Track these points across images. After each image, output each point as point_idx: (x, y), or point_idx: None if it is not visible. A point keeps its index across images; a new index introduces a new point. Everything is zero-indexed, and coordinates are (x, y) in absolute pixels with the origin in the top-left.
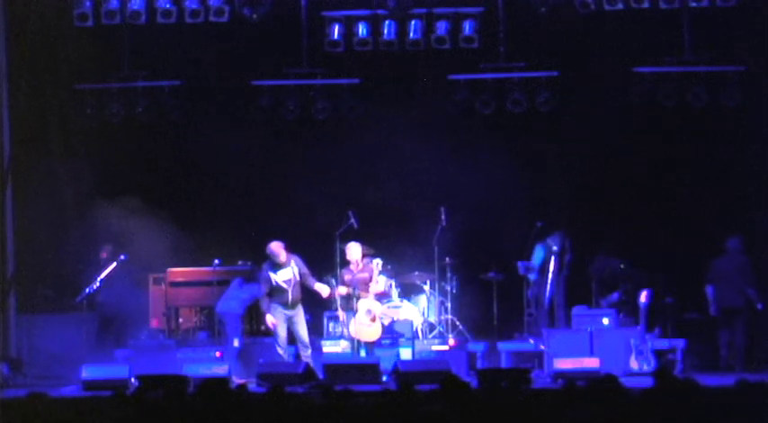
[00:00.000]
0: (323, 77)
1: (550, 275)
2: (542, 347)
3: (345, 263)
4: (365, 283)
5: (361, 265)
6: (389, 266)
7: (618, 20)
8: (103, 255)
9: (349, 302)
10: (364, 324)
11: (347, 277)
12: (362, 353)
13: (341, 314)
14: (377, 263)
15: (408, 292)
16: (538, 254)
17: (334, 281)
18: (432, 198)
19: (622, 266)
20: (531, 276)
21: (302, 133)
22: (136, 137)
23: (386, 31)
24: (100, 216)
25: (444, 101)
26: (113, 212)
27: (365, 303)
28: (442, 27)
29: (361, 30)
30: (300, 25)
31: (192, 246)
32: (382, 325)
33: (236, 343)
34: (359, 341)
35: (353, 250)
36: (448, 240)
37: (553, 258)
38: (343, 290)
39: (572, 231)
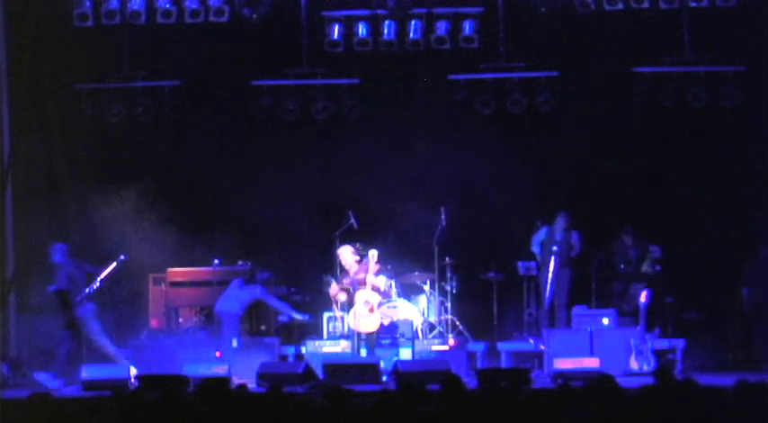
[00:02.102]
0: (323, 77)
1: (550, 275)
2: (542, 347)
3: (342, 269)
4: (363, 283)
5: (356, 267)
6: (389, 266)
7: (618, 20)
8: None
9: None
10: (362, 315)
11: (346, 281)
12: (363, 352)
13: (338, 314)
14: (372, 254)
15: (408, 292)
16: (540, 235)
17: (333, 280)
18: (432, 198)
19: (622, 266)
20: (535, 250)
21: (302, 133)
22: (136, 137)
23: (386, 31)
24: (100, 216)
25: (444, 101)
26: (113, 212)
27: (363, 295)
28: (442, 27)
29: (361, 30)
30: (300, 25)
31: (192, 246)
32: (381, 316)
33: (234, 343)
34: (359, 341)
35: (345, 255)
36: (448, 240)
37: (553, 258)
38: (342, 296)
39: (576, 226)
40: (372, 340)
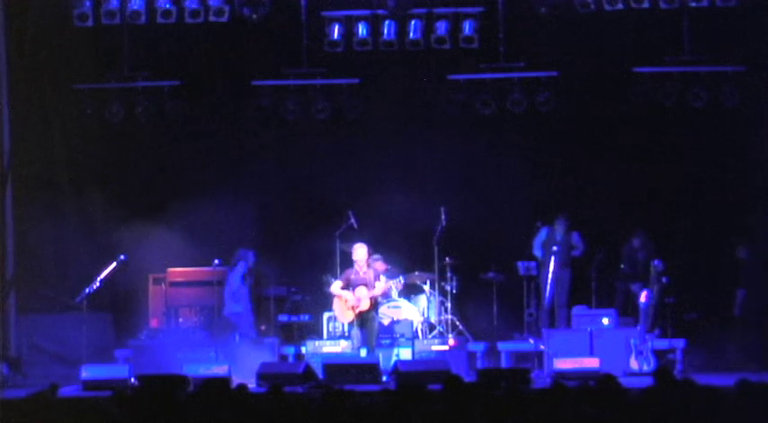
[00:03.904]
0: (323, 77)
1: (550, 275)
2: (542, 347)
3: (348, 262)
4: (367, 285)
5: (365, 268)
6: (390, 266)
7: (618, 20)
8: None
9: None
10: (346, 304)
11: (352, 277)
12: (362, 353)
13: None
14: (399, 281)
15: (408, 292)
16: (540, 236)
17: (333, 279)
18: (432, 198)
19: (623, 266)
20: (537, 253)
21: (302, 133)
22: (136, 137)
23: (386, 31)
24: (100, 216)
25: (444, 101)
26: (113, 212)
27: (361, 291)
28: (441, 27)
29: (361, 30)
30: (300, 25)
31: (191, 246)
32: (359, 315)
33: (236, 338)
34: (359, 341)
35: (360, 251)
36: (448, 240)
37: (553, 259)
38: (337, 288)
39: (576, 226)
40: (370, 336)
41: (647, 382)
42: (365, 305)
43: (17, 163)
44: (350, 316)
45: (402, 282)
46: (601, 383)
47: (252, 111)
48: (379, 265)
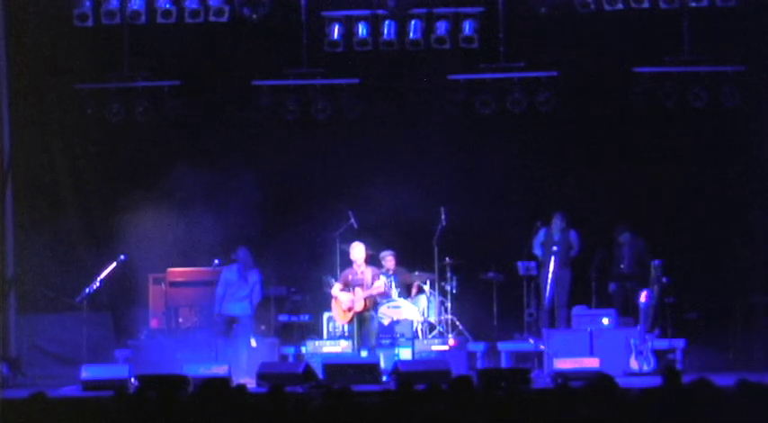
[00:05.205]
0: (323, 77)
1: (550, 275)
2: (542, 347)
3: (348, 262)
4: (362, 286)
5: (363, 267)
6: (397, 266)
7: (618, 20)
8: None
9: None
10: (343, 305)
11: (350, 277)
12: (363, 353)
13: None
14: (384, 282)
15: (408, 292)
16: (539, 236)
17: (333, 280)
18: (432, 198)
19: (622, 266)
20: (537, 252)
21: (302, 133)
22: (136, 137)
23: (386, 31)
24: (100, 216)
25: (444, 101)
26: (113, 212)
27: (357, 292)
28: (441, 27)
29: (361, 30)
30: (300, 25)
31: (192, 246)
32: (355, 316)
33: (253, 343)
34: (359, 341)
35: (357, 250)
36: (448, 240)
37: (553, 258)
38: (336, 291)
39: (575, 226)
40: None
41: (647, 382)
42: (359, 306)
43: (17, 163)
44: (346, 317)
45: (392, 281)
46: (597, 383)
47: (252, 111)
48: (390, 261)
